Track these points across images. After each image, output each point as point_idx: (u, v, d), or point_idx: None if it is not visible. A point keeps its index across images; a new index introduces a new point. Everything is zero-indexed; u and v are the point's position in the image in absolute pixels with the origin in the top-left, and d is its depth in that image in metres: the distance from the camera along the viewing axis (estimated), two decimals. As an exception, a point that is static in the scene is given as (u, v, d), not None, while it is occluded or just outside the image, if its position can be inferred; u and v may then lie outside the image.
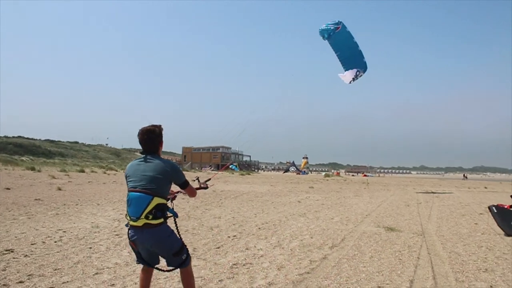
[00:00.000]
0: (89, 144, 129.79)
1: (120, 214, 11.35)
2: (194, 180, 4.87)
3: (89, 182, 25.82)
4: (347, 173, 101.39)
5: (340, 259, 6.56)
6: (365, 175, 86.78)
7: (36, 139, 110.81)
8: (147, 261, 3.80)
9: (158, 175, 3.55)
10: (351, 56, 26.57)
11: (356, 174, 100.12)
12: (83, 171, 40.50)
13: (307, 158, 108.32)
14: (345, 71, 26.30)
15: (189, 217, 11.20)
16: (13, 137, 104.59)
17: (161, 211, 3.52)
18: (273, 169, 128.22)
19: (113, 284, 4.89)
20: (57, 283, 4.87)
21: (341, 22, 26.12)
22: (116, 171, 48.91)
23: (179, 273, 3.92)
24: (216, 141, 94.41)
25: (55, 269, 5.47)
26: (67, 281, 4.94)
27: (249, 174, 61.78)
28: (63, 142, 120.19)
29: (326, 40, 26.35)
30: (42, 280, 4.97)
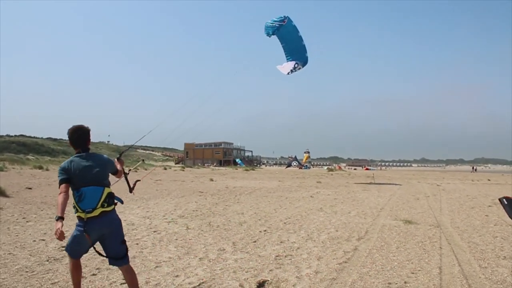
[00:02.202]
0: (91, 142, 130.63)
1: (147, 211, 11.90)
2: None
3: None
4: (348, 167, 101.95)
5: (370, 250, 7.14)
6: (367, 169, 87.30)
7: (38, 138, 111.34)
8: (82, 250, 4.17)
9: (102, 168, 4.09)
10: (294, 49, 27.06)
11: (357, 167, 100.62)
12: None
13: (308, 152, 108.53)
14: (285, 62, 26.98)
15: (214, 213, 11.72)
16: (15, 136, 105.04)
17: (112, 199, 4.07)
18: (275, 164, 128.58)
19: (177, 276, 5.43)
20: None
21: (287, 16, 26.68)
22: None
23: (123, 272, 4.33)
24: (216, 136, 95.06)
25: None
26: (136, 273, 5.49)
27: (253, 170, 62.29)
28: (65, 140, 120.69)
29: (271, 36, 27.26)
30: (112, 273, 5.50)
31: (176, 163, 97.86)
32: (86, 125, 4.31)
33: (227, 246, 7.32)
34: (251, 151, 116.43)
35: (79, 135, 4.18)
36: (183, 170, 52.03)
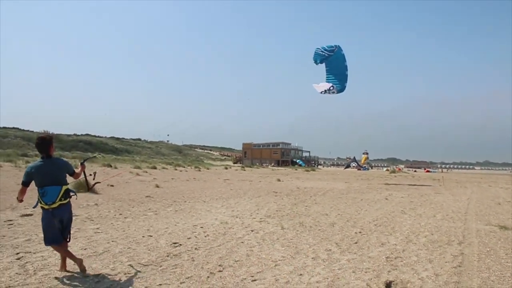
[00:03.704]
0: (151, 141, 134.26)
1: (232, 210, 12.20)
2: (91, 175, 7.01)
3: (172, 179, 27.08)
4: (408, 169, 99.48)
5: (479, 255, 7.06)
6: (427, 171, 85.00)
7: (102, 137, 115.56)
8: (59, 236, 5.35)
9: (59, 170, 5.25)
10: (336, 74, 27.28)
11: (417, 170, 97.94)
12: (155, 168, 42.05)
13: (367, 153, 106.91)
14: (323, 82, 27.61)
15: (298, 214, 11.85)
16: (82, 135, 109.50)
17: (68, 193, 5.30)
18: (332, 165, 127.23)
19: (301, 274, 5.62)
20: (252, 272, 5.64)
21: (337, 45, 27.08)
22: (184, 167, 50.29)
23: (64, 246, 5.49)
24: (274, 137, 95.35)
25: (236, 261, 6.27)
26: (259, 271, 5.69)
27: (313, 170, 62.16)
28: (127, 139, 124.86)
29: (318, 64, 27.79)
30: (236, 270, 5.75)
31: (234, 163, 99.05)
32: (49, 135, 5.66)
33: (332, 247, 7.45)
34: (309, 152, 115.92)
35: (41, 143, 5.25)
36: (244, 170, 52.63)
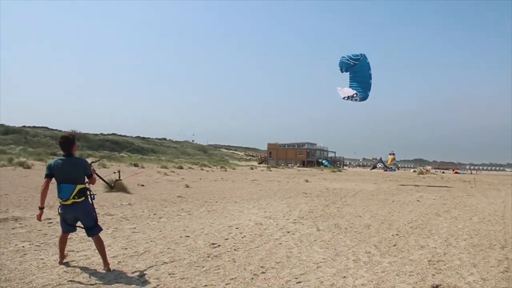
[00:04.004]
0: (176, 141, 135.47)
1: (264, 211, 12.21)
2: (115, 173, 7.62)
3: (200, 179, 27.27)
4: (435, 170, 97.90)
5: (526, 259, 6.92)
6: (456, 172, 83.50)
7: (128, 136, 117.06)
8: (70, 227, 5.67)
9: (75, 170, 5.41)
10: (360, 82, 27.76)
11: (445, 171, 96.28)
12: (181, 168, 42.37)
13: (394, 154, 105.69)
14: (347, 87, 28.09)
15: (331, 215, 11.76)
16: (108, 134, 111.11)
17: (82, 193, 5.43)
18: (358, 166, 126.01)
19: (345, 277, 5.57)
20: (295, 274, 5.62)
21: (363, 54, 27.57)
22: (209, 167, 50.55)
23: (94, 241, 5.70)
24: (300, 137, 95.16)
25: (277, 262, 6.25)
26: (302, 273, 5.67)
27: (339, 171, 61.81)
28: (152, 138, 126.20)
29: (343, 72, 28.32)
30: (279, 271, 5.73)
31: (259, 163, 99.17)
32: (72, 134, 5.91)
33: (371, 249, 7.38)
34: (334, 152, 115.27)
35: (64, 142, 5.49)
36: (270, 170, 52.67)
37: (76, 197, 5.34)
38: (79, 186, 5.37)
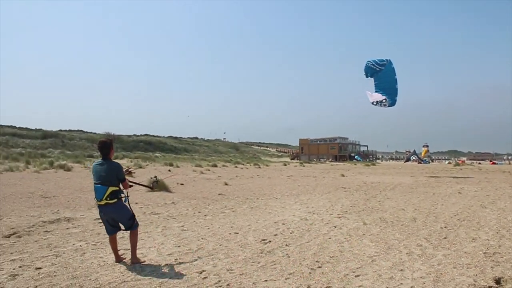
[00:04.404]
0: (208, 139, 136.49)
1: (307, 207, 12.26)
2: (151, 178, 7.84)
3: (236, 176, 27.43)
4: (471, 161, 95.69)
5: None
6: (493, 163, 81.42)
7: (161, 136, 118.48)
8: (113, 229, 5.96)
9: (109, 173, 5.66)
10: (387, 88, 28.62)
11: (481, 162, 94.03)
12: (215, 166, 42.63)
13: (427, 146, 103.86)
14: (375, 92, 28.88)
15: (374, 209, 11.74)
16: (141, 135, 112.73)
17: (115, 194, 5.68)
18: (391, 159, 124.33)
19: (402, 269, 5.60)
20: (352, 268, 5.68)
21: (388, 60, 28.04)
22: (243, 164, 50.70)
23: (130, 234, 5.99)
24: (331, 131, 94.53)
25: (331, 257, 6.31)
26: (358, 267, 5.72)
27: (373, 165, 61.20)
28: (184, 138, 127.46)
29: (368, 77, 29.18)
30: (335, 265, 5.80)
31: (291, 159, 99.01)
32: (110, 138, 6.21)
33: (422, 242, 7.35)
34: (367, 146, 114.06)
35: (102, 146, 5.83)
36: (304, 166, 52.54)
37: (109, 199, 5.64)
38: (111, 188, 5.64)
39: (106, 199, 5.61)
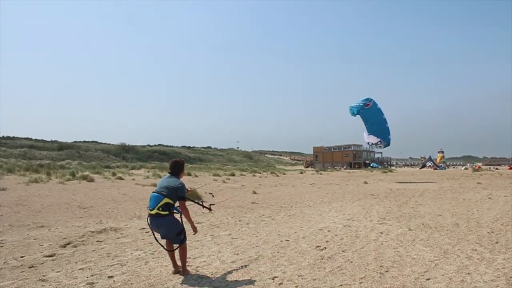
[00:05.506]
0: (221, 148, 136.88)
1: (343, 214, 12.40)
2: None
3: (259, 185, 27.56)
4: (488, 167, 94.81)
5: None
6: (511, 168, 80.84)
7: (175, 146, 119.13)
8: (162, 236, 5.98)
9: (170, 186, 5.72)
10: (378, 130, 31.59)
11: (498, 167, 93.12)
12: (233, 175, 42.73)
13: (443, 152, 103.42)
14: (369, 135, 31.92)
15: (411, 215, 11.84)
16: (155, 145, 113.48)
17: (167, 207, 5.65)
18: (405, 165, 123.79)
19: (469, 273, 5.75)
20: (418, 272, 5.84)
21: (371, 99, 30.03)
22: (260, 173, 50.73)
23: (178, 249, 5.91)
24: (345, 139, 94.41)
25: (393, 262, 6.47)
26: (426, 271, 5.90)
27: (390, 171, 61.06)
28: (197, 147, 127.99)
29: (355, 116, 31.77)
30: (401, 270, 5.97)
31: (305, 167, 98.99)
32: (182, 160, 6.41)
33: (476, 247, 7.49)
34: (381, 153, 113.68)
35: (174, 166, 6.10)
36: (321, 174, 52.53)
37: (161, 209, 5.60)
38: (166, 199, 5.62)
39: (158, 209, 5.59)
